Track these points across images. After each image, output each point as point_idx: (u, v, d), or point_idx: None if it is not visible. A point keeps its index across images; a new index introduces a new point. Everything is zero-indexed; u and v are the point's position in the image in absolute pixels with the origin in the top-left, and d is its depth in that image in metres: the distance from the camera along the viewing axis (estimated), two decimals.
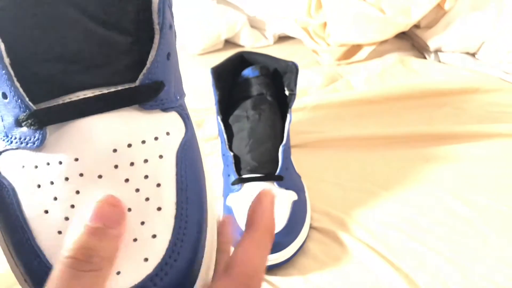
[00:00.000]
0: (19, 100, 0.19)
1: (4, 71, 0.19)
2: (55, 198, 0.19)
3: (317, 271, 0.51)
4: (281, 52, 1.11)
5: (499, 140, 0.71)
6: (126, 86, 0.20)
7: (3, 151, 0.20)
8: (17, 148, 0.20)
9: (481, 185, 0.62)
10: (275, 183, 0.54)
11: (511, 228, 0.55)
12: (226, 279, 0.19)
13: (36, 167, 0.20)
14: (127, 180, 0.20)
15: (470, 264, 0.50)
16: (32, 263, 0.19)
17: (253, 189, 0.53)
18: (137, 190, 0.19)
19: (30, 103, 0.19)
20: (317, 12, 1.08)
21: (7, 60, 0.19)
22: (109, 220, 0.18)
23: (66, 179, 0.19)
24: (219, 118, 0.60)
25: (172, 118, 0.22)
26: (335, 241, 0.54)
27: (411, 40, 1.10)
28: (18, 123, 0.19)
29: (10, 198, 0.20)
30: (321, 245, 0.54)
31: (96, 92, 0.20)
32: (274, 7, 1.14)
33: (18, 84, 0.19)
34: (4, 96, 0.19)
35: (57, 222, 0.19)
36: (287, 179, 0.55)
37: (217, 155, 0.66)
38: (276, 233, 0.49)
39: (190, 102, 0.81)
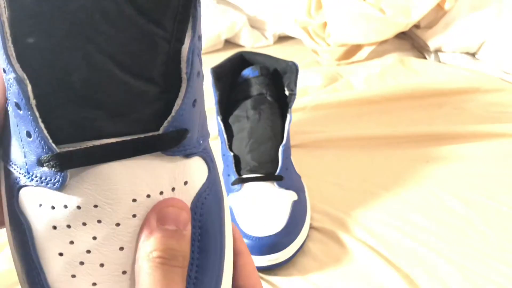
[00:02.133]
0: (43, 141, 0.19)
1: (29, 112, 0.19)
2: (71, 242, 0.20)
3: (317, 271, 0.51)
4: (281, 52, 1.11)
5: (499, 140, 0.71)
6: (150, 134, 0.20)
7: (23, 186, 0.20)
8: (36, 186, 0.20)
9: (481, 185, 0.62)
10: (275, 183, 0.54)
11: (511, 228, 0.55)
12: None
13: (53, 207, 0.20)
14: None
15: (470, 264, 0.50)
16: None
17: (253, 189, 0.53)
18: None
19: (53, 145, 0.19)
20: (317, 12, 1.08)
21: (33, 102, 0.19)
22: (181, 223, 0.19)
23: (84, 224, 0.20)
24: (219, 118, 0.60)
25: (194, 164, 0.22)
26: (335, 241, 0.54)
27: (411, 40, 1.10)
28: (40, 163, 0.20)
29: (25, 236, 0.20)
30: (321, 245, 0.54)
31: (119, 139, 0.20)
32: (274, 7, 1.14)
33: (42, 126, 0.19)
34: (28, 135, 0.19)
35: (72, 266, 0.19)
36: (287, 179, 0.55)
37: (216, 155, 0.66)
38: (276, 233, 0.49)
39: None
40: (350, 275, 0.50)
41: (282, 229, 0.50)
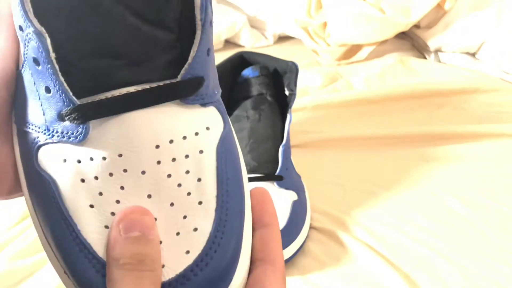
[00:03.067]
0: (63, 95, 0.19)
1: (49, 65, 0.19)
2: (100, 193, 0.20)
3: (317, 271, 0.51)
4: (281, 52, 1.11)
5: (499, 140, 0.71)
6: (168, 82, 0.20)
7: (43, 144, 0.20)
8: (58, 142, 0.20)
9: (481, 185, 0.62)
10: (275, 183, 0.54)
11: (511, 228, 0.55)
12: None
13: (79, 161, 0.20)
14: (169, 176, 0.20)
15: (470, 264, 0.50)
16: (77, 255, 0.19)
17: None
18: (179, 185, 0.20)
19: (74, 98, 0.19)
20: (317, 12, 1.08)
21: (53, 55, 0.19)
22: (145, 228, 0.19)
23: (111, 174, 0.20)
24: None
25: (211, 113, 0.22)
26: (335, 241, 0.54)
27: (411, 40, 1.10)
28: (61, 117, 0.20)
29: (51, 191, 0.20)
30: (321, 245, 0.54)
31: (139, 88, 0.20)
32: (274, 7, 1.14)
33: (62, 79, 0.19)
34: (48, 90, 0.19)
35: (104, 217, 0.20)
36: (287, 179, 0.55)
37: None
38: None
39: None
40: (350, 275, 0.50)
41: (282, 229, 0.50)
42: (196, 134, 0.21)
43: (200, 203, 0.20)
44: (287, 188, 0.54)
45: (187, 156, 0.20)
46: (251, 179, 0.54)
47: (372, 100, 0.82)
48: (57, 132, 0.20)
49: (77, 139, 0.20)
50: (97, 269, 0.19)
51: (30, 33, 0.19)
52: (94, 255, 0.19)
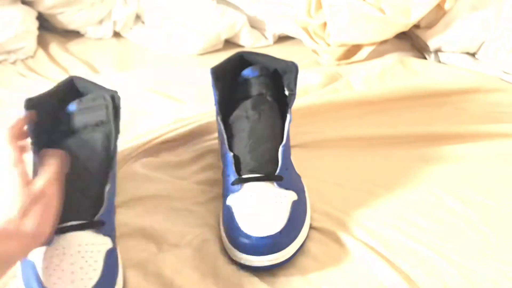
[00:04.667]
0: None
1: None
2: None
3: (317, 271, 0.51)
4: (281, 52, 1.11)
5: (499, 140, 0.71)
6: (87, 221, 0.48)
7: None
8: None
9: (481, 185, 0.62)
10: (274, 183, 0.54)
11: (511, 228, 0.55)
12: None
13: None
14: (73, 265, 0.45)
15: (470, 264, 0.51)
16: None
17: (253, 189, 0.53)
18: (72, 272, 0.44)
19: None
20: (317, 12, 1.08)
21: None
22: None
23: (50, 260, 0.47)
24: (219, 118, 0.60)
25: (103, 237, 0.47)
26: (335, 241, 0.54)
27: (411, 40, 1.10)
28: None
29: None
30: (321, 245, 0.54)
31: (74, 223, 0.47)
32: (274, 7, 1.14)
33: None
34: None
35: None
36: (287, 179, 0.55)
37: (215, 154, 0.66)
38: (276, 233, 0.49)
39: (190, 102, 0.80)
40: (350, 275, 0.50)
41: (282, 229, 0.50)
42: (92, 244, 0.46)
43: None
44: (287, 188, 0.54)
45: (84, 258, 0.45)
46: (251, 179, 0.54)
47: (372, 100, 0.82)
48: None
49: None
50: None
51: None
52: None
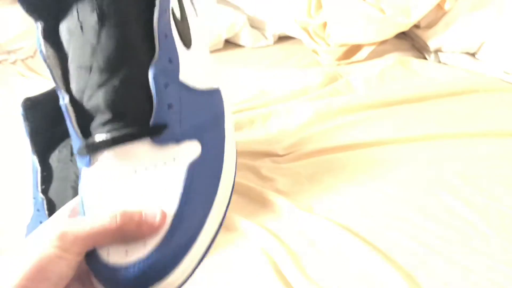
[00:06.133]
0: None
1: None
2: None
3: (317, 270, 0.51)
4: (281, 52, 1.11)
5: (499, 140, 0.71)
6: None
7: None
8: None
9: (481, 185, 0.62)
10: (149, 140, 0.30)
11: (511, 228, 0.55)
12: None
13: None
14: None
15: (470, 264, 0.51)
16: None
17: (110, 164, 0.30)
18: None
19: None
20: (317, 12, 1.08)
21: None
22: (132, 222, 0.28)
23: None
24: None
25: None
26: (335, 241, 0.54)
27: (411, 40, 1.10)
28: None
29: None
30: (321, 245, 0.54)
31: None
32: (274, 7, 1.14)
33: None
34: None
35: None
36: (174, 121, 0.30)
37: None
38: (152, 254, 0.27)
39: None
40: (350, 275, 0.50)
41: (163, 241, 0.27)
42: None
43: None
44: (178, 141, 0.30)
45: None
46: (102, 145, 0.30)
47: (372, 103, 0.82)
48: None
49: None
50: None
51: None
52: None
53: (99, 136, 0.30)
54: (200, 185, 0.29)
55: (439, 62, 1.01)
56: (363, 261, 0.51)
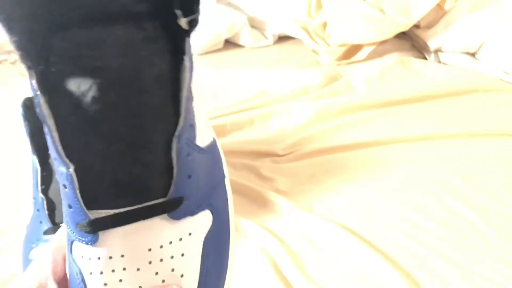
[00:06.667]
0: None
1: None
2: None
3: (317, 270, 0.51)
4: (281, 52, 1.11)
5: (499, 140, 0.71)
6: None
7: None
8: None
9: (481, 185, 0.62)
10: (166, 216, 0.26)
11: (511, 228, 0.55)
12: None
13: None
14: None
15: (470, 264, 0.50)
16: None
17: (120, 243, 0.26)
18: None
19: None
20: (317, 12, 1.08)
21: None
22: None
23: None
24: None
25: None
26: (335, 241, 0.54)
27: (411, 40, 1.10)
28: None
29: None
30: (321, 245, 0.54)
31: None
32: (274, 7, 1.14)
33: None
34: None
35: None
36: (190, 194, 0.27)
37: None
38: None
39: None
40: (350, 275, 0.50)
41: None
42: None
43: None
44: (193, 213, 0.27)
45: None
46: (113, 221, 0.26)
47: (372, 103, 0.82)
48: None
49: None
50: None
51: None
52: None
53: (107, 211, 0.25)
54: (214, 257, 0.29)
55: (439, 62, 1.01)
56: (363, 261, 0.51)
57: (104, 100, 0.24)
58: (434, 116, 0.79)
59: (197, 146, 0.28)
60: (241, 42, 1.15)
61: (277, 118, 0.80)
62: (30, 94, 0.26)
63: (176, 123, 0.26)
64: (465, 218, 0.57)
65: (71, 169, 0.25)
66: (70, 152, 0.25)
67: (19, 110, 0.51)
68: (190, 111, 0.26)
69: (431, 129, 0.75)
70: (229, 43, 1.15)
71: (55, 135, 0.25)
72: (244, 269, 0.52)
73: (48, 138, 0.25)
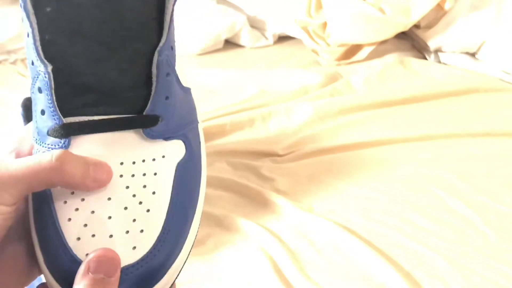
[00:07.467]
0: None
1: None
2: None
3: (317, 270, 0.51)
4: (281, 52, 1.11)
5: (499, 140, 0.71)
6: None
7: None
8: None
9: (481, 185, 0.62)
10: (140, 132, 0.26)
11: (511, 228, 0.55)
12: None
13: None
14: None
15: (470, 264, 0.51)
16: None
17: (93, 150, 0.26)
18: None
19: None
20: (317, 12, 1.08)
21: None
22: (109, 271, 0.23)
23: None
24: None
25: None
26: (335, 241, 0.54)
27: (411, 40, 1.10)
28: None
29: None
30: (320, 245, 0.54)
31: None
32: (274, 7, 1.14)
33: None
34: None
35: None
36: (167, 116, 0.27)
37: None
38: (146, 255, 0.24)
39: None
40: (350, 275, 0.50)
41: (157, 242, 0.24)
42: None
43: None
44: (167, 138, 0.27)
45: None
46: (88, 127, 0.26)
47: (372, 104, 0.82)
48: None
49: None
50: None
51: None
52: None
53: (82, 118, 0.26)
54: (186, 186, 0.27)
55: (439, 62, 1.01)
56: (363, 261, 0.51)
57: (88, 0, 0.26)
58: (434, 116, 0.79)
59: (176, 74, 0.28)
60: (241, 42, 1.15)
61: (277, 118, 0.80)
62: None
63: (158, 39, 0.27)
64: (465, 218, 0.57)
65: (49, 68, 0.25)
66: (50, 52, 0.25)
67: (19, 110, 0.51)
68: (171, 34, 0.27)
69: (431, 129, 0.75)
70: (229, 43, 1.15)
71: (36, 33, 0.25)
72: (245, 269, 0.52)
73: (29, 39, 0.25)
